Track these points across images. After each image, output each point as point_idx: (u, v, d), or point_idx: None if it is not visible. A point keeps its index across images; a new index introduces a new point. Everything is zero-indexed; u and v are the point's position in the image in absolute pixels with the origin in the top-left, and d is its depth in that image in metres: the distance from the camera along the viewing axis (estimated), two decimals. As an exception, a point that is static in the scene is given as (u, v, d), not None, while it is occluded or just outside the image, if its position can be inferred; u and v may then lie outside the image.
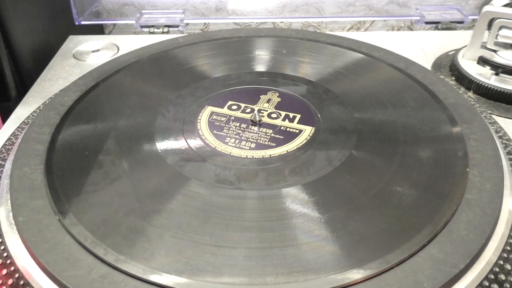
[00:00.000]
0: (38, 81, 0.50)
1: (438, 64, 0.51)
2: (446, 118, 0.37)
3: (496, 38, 0.45)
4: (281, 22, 0.78)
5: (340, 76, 0.44)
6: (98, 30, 0.75)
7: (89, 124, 0.37)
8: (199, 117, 0.39)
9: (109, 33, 0.79)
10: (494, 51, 0.46)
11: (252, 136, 0.37)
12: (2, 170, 0.35)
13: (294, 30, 0.52)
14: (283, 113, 0.39)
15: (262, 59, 0.47)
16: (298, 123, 0.38)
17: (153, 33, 0.61)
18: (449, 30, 0.60)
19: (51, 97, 0.44)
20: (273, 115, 0.39)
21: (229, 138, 0.36)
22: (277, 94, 0.42)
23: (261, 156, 0.34)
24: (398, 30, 0.79)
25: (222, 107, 0.40)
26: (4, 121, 0.44)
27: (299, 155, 0.34)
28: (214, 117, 0.39)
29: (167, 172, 0.33)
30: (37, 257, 0.26)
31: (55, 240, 0.27)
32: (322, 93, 0.41)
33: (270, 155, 0.34)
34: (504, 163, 0.33)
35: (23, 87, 0.56)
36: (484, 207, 0.29)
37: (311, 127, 0.37)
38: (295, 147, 0.35)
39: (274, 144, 0.36)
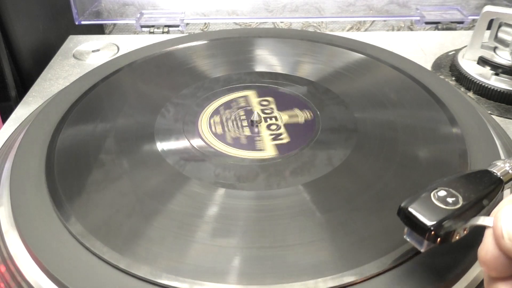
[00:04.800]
0: (38, 81, 0.50)
1: (438, 64, 0.51)
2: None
3: (496, 36, 0.45)
4: (281, 22, 0.78)
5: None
6: (98, 30, 0.75)
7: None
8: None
9: (109, 33, 0.79)
10: (494, 49, 0.46)
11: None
12: (2, 170, 0.35)
13: (294, 30, 0.52)
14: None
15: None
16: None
17: (153, 33, 0.61)
18: (449, 30, 0.60)
19: (51, 97, 0.44)
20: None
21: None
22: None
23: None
24: (398, 30, 0.79)
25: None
26: (4, 121, 0.44)
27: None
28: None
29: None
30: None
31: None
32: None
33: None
34: (504, 163, 0.33)
35: (23, 87, 0.56)
36: (484, 207, 0.29)
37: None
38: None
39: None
